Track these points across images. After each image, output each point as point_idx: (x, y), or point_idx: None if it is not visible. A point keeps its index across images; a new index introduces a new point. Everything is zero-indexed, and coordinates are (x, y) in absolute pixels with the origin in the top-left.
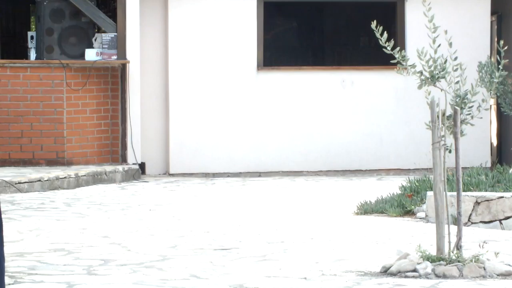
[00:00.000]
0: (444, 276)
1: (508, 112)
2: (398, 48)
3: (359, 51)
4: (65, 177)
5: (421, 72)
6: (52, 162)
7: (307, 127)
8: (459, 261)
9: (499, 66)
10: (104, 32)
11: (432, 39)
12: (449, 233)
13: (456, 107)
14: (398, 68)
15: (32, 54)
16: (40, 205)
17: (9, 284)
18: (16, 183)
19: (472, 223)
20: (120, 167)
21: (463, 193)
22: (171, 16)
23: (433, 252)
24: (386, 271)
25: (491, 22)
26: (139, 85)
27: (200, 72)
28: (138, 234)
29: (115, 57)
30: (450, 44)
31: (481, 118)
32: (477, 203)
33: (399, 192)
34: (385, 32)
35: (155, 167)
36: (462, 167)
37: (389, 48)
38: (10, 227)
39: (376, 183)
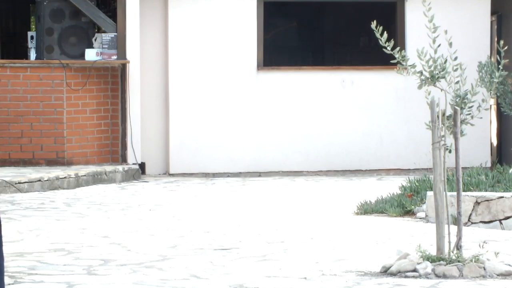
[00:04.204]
0: (444, 276)
1: (508, 112)
2: (398, 48)
3: (359, 51)
4: (65, 177)
5: (421, 72)
6: (52, 162)
7: (307, 127)
8: (459, 261)
9: (499, 66)
10: (104, 32)
11: (432, 39)
12: (449, 233)
13: (456, 107)
14: (398, 68)
15: (32, 54)
16: (40, 205)
17: (9, 284)
18: (16, 183)
19: (472, 223)
20: (120, 167)
21: (463, 193)
22: (171, 16)
23: (433, 252)
24: (386, 271)
25: (491, 22)
26: (139, 85)
27: (200, 72)
28: (138, 234)
29: (115, 57)
30: (450, 44)
31: (481, 118)
32: (477, 203)
33: (399, 192)
34: (385, 32)
35: (155, 167)
36: (462, 167)
37: (389, 48)
38: (10, 227)
39: (376, 183)
